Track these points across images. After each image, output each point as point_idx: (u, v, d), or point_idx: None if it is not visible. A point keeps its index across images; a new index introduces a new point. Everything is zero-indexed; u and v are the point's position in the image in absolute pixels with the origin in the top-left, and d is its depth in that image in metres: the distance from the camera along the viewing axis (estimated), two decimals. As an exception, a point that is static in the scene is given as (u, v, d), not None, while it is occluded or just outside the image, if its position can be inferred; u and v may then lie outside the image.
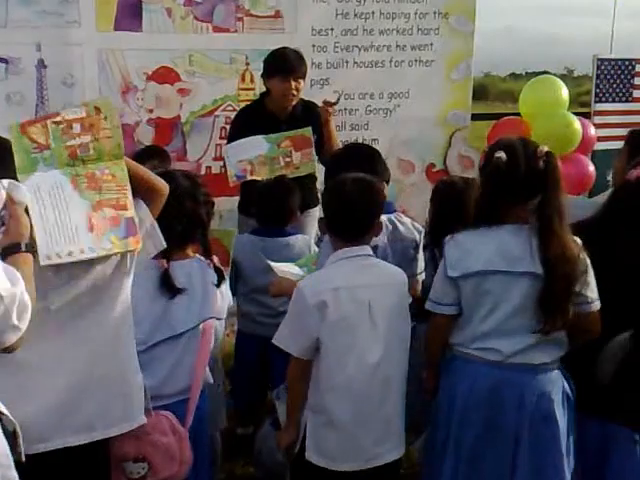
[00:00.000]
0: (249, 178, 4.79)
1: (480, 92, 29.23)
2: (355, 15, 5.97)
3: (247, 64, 5.70)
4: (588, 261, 3.09)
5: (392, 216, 3.70)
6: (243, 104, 5.63)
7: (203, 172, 5.69)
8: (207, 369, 3.23)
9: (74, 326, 2.68)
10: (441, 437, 3.22)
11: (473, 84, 6.59)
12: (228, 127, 5.63)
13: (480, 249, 3.09)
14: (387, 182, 3.70)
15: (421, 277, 3.74)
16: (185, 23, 5.48)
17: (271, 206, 4.32)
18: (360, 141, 6.15)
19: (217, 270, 3.24)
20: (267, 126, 4.92)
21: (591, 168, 6.33)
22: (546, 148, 3.06)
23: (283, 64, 4.99)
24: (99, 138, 2.59)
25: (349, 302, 3.04)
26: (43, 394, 2.64)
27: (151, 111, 5.54)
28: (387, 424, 3.16)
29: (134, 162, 2.77)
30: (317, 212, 5.27)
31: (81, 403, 2.71)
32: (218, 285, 3.21)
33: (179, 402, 3.10)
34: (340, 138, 5.83)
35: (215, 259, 3.27)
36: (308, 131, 4.87)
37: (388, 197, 3.56)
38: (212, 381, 3.31)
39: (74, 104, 5.12)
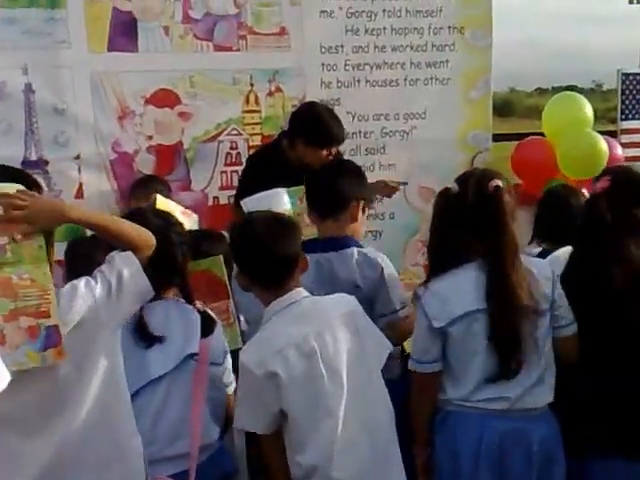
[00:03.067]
0: None
1: (505, 109, 29.52)
2: (366, 31, 5.71)
3: (252, 84, 5.45)
4: (559, 283, 3.12)
5: (332, 255, 3.50)
6: (249, 128, 5.42)
7: (210, 203, 5.46)
8: (213, 424, 3.02)
9: (56, 409, 2.53)
10: None
11: (497, 100, 6.38)
12: (234, 153, 5.41)
13: (459, 291, 3.04)
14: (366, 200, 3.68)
15: (403, 312, 3.52)
16: (184, 42, 5.23)
17: None
18: (377, 166, 5.92)
19: (203, 315, 3.04)
20: (289, 175, 4.46)
21: (620, 190, 6.07)
22: (498, 182, 3.03)
23: (326, 135, 4.69)
24: (17, 239, 2.42)
25: (298, 359, 2.82)
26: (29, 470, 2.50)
27: (151, 137, 5.27)
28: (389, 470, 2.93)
29: (109, 223, 2.61)
30: None
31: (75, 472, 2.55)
32: (207, 332, 3.00)
33: (177, 474, 2.86)
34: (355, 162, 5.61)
35: (199, 304, 3.07)
36: None
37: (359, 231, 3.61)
38: (217, 437, 3.06)
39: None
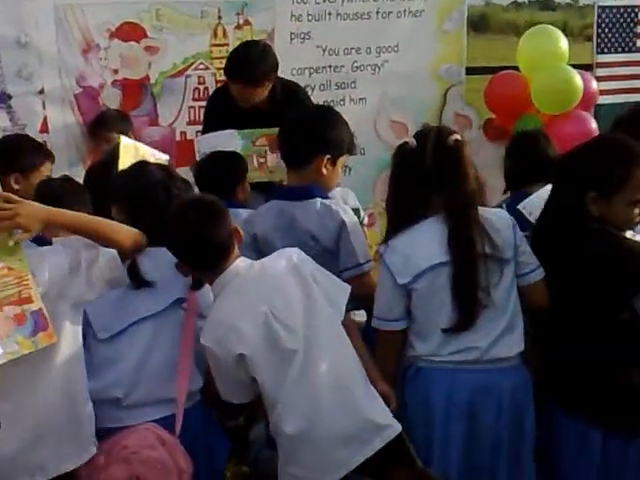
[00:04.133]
0: None
1: (480, 23, 29.26)
2: (337, -39, 5.66)
3: (219, 17, 5.41)
4: (519, 230, 3.15)
5: (296, 204, 3.50)
6: (217, 62, 5.39)
7: (178, 138, 5.46)
8: (198, 373, 3.08)
9: (26, 380, 2.63)
10: (422, 448, 3.09)
11: (472, 15, 6.36)
12: (202, 88, 5.42)
13: (422, 246, 3.07)
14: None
15: (368, 266, 3.52)
16: (150, -27, 5.19)
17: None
18: (347, 100, 5.93)
19: None
20: (241, 117, 4.66)
21: (594, 125, 6.06)
22: (457, 136, 3.08)
23: (231, 68, 4.72)
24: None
25: (252, 329, 2.85)
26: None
27: (116, 72, 5.24)
28: (355, 416, 2.91)
29: (97, 227, 2.71)
30: None
31: (35, 449, 2.69)
32: (197, 286, 3.06)
33: (164, 418, 2.96)
34: (325, 98, 5.69)
35: None
36: (276, 132, 4.54)
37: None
38: (201, 385, 3.12)
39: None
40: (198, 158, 4.61)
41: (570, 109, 6.02)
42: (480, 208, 3.13)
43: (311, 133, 3.47)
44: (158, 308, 2.99)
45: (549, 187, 3.38)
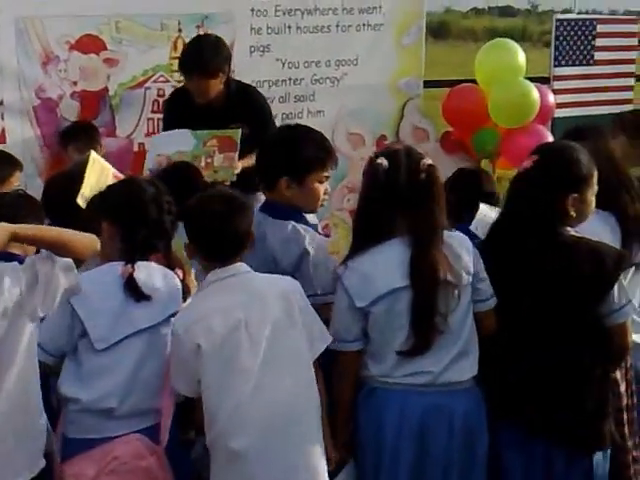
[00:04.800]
0: None
1: (440, 30, 29.62)
2: (298, -24, 5.77)
3: (180, 30, 5.48)
4: (478, 256, 3.16)
5: (269, 220, 3.47)
6: (176, 74, 5.42)
7: (135, 149, 5.51)
8: None
9: None
10: (370, 473, 3.15)
11: (432, 22, 6.47)
12: (161, 100, 5.47)
13: (381, 269, 3.06)
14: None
15: (323, 299, 3.39)
16: (110, -14, 5.23)
17: None
18: (305, 113, 6.02)
19: (182, 284, 3.19)
20: (196, 115, 4.77)
21: (550, 138, 6.18)
22: (429, 161, 3.08)
23: (185, 61, 4.86)
24: None
25: (221, 326, 2.92)
26: None
27: (75, 83, 5.29)
28: (298, 450, 2.96)
29: (58, 239, 2.70)
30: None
31: None
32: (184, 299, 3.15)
33: (147, 429, 3.01)
34: (284, 110, 5.76)
35: (178, 272, 3.20)
36: (236, 133, 4.67)
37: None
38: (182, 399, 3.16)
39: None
40: (148, 156, 4.74)
41: (527, 122, 6.14)
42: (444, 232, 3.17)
43: (266, 157, 3.48)
44: (154, 321, 3.05)
45: (485, 207, 3.51)
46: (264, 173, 3.48)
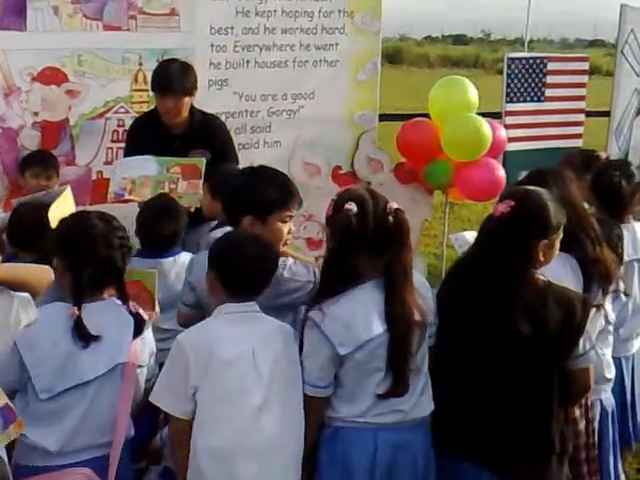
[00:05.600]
0: (126, 197, 4.71)
1: (395, 57, 30.08)
2: (256, 13, 5.95)
3: (140, 64, 5.64)
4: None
5: None
6: (136, 106, 5.61)
7: (94, 177, 5.63)
8: (129, 420, 3.16)
9: None
10: None
11: (388, 48, 6.65)
12: (121, 130, 5.61)
13: (361, 316, 3.08)
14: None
15: None
16: (73, 21, 5.37)
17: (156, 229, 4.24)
18: (261, 144, 6.20)
19: (136, 317, 3.17)
20: (160, 140, 4.90)
21: (501, 172, 6.37)
22: (395, 205, 3.11)
23: (160, 80, 4.98)
24: None
25: (232, 351, 3.01)
26: None
27: (36, 114, 5.41)
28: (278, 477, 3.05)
29: (13, 273, 2.83)
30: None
31: None
32: (137, 333, 3.15)
33: (96, 458, 3.04)
34: (240, 141, 5.89)
35: (132, 305, 3.20)
36: (201, 162, 4.79)
37: None
38: (133, 434, 3.21)
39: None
40: (113, 180, 4.85)
41: (479, 156, 6.35)
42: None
43: (230, 197, 3.53)
44: (101, 371, 3.04)
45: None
46: (228, 211, 3.54)
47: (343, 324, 3.07)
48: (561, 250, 3.37)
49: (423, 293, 3.22)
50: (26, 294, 2.91)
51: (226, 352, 3.00)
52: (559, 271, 3.46)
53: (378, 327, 3.07)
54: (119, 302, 3.18)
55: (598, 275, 3.73)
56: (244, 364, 3.02)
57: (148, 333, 3.28)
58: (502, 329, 3.17)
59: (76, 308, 3.03)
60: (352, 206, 3.07)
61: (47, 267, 2.97)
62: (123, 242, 3.19)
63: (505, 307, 3.18)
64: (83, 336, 3.02)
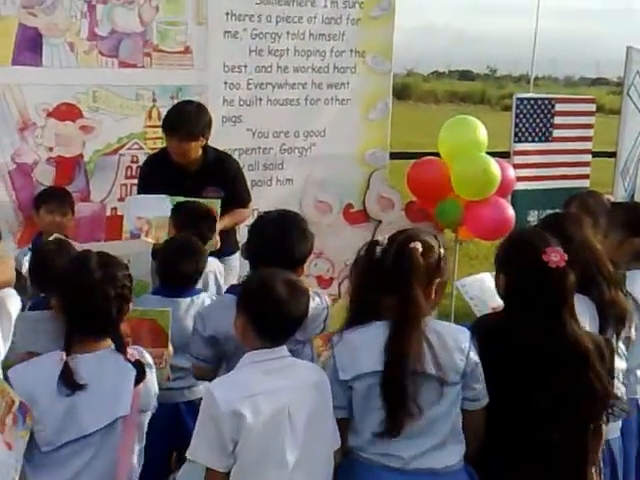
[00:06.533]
0: (143, 238, 4.75)
1: (403, 92, 30.41)
2: (269, 52, 6.02)
3: (154, 100, 5.69)
4: (474, 356, 3.10)
5: None
6: (150, 142, 5.66)
7: (108, 213, 5.66)
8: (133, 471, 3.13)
9: None
10: None
11: (395, 84, 6.72)
12: (134, 166, 5.65)
13: (366, 349, 3.06)
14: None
15: None
16: (89, 58, 5.43)
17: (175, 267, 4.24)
18: (274, 181, 6.25)
19: (136, 364, 3.11)
20: (173, 178, 4.95)
21: (510, 211, 6.44)
22: (418, 245, 3.05)
23: (169, 121, 5.07)
24: None
25: (268, 408, 2.95)
26: None
27: (51, 149, 5.45)
28: None
29: None
30: (237, 261, 5.33)
31: None
32: (138, 381, 3.08)
33: None
34: (253, 178, 5.94)
35: (130, 353, 3.14)
36: (216, 204, 4.82)
37: None
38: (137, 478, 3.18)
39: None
40: (128, 218, 4.89)
41: (488, 195, 6.41)
42: (437, 322, 3.12)
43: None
44: (101, 424, 3.00)
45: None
46: (253, 259, 3.56)
47: (350, 352, 3.09)
48: (578, 292, 3.35)
49: (450, 348, 3.08)
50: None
51: (261, 407, 2.94)
52: (580, 312, 3.40)
53: (377, 364, 3.03)
54: (116, 352, 3.10)
55: (614, 317, 3.73)
56: (279, 421, 2.97)
57: (152, 376, 3.20)
58: (545, 376, 3.13)
59: (64, 354, 2.99)
60: (383, 239, 3.10)
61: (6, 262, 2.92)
62: (122, 291, 3.10)
63: (565, 359, 3.14)
64: (69, 383, 2.96)
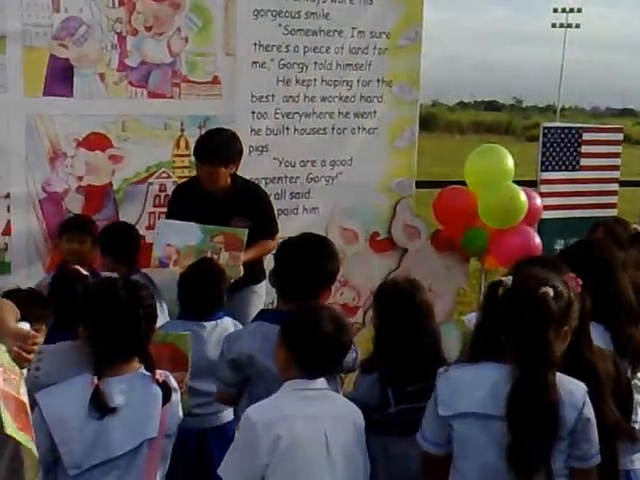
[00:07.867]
0: (171, 268, 4.85)
1: (428, 122, 30.47)
2: (297, 82, 6.08)
3: (182, 130, 5.75)
4: (590, 410, 2.91)
5: None
6: (178, 171, 5.72)
7: (137, 242, 5.72)
8: None
9: None
10: None
11: (421, 114, 6.76)
12: (162, 195, 5.72)
13: (472, 387, 2.93)
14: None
15: None
16: (119, 88, 5.50)
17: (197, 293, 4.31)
18: (300, 209, 6.29)
19: (163, 385, 3.14)
20: (202, 205, 5.03)
21: (537, 240, 6.43)
22: (548, 289, 2.91)
23: (199, 148, 5.16)
24: None
25: (304, 430, 2.98)
26: None
27: (81, 178, 5.52)
28: None
29: None
30: (263, 289, 5.39)
31: None
32: (165, 402, 3.12)
33: None
34: (279, 207, 5.97)
35: (159, 374, 3.16)
36: (243, 233, 4.92)
37: None
38: None
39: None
40: (157, 244, 4.98)
41: (515, 224, 6.41)
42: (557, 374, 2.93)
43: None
44: (129, 447, 3.02)
45: None
46: (279, 284, 3.64)
47: (453, 387, 2.96)
48: (595, 321, 3.31)
49: (566, 402, 2.88)
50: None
51: (298, 430, 2.97)
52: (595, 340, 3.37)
53: (486, 407, 2.88)
54: (145, 373, 3.14)
55: (631, 352, 3.61)
56: (316, 445, 3.00)
57: (176, 400, 3.22)
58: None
59: (96, 378, 3.02)
60: (508, 280, 2.97)
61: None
62: (148, 310, 3.15)
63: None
64: (100, 407, 2.99)
